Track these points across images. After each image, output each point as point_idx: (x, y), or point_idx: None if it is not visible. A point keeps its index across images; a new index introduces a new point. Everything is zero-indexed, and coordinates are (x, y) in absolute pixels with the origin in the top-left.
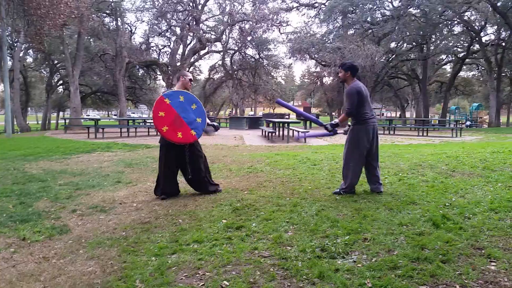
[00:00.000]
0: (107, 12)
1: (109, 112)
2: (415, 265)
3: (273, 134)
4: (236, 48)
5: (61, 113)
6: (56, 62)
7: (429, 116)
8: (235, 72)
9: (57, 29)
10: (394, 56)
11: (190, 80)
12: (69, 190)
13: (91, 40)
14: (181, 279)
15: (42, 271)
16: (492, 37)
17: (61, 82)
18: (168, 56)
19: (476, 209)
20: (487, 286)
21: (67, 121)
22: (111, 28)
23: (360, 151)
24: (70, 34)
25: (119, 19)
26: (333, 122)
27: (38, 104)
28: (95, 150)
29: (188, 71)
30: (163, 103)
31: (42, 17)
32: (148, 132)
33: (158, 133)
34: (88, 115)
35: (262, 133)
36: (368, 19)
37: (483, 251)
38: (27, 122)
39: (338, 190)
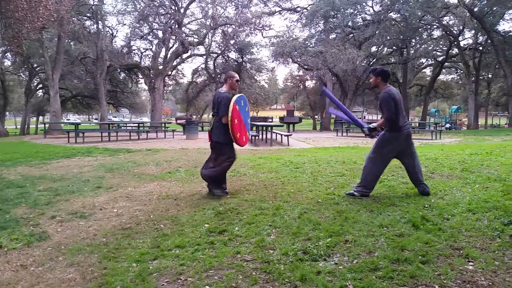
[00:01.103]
0: (88, 15)
1: (90, 116)
2: (395, 266)
3: (257, 137)
4: (219, 52)
5: (40, 118)
6: (35, 65)
7: (410, 119)
8: (218, 76)
9: (36, 32)
10: (375, 60)
11: (237, 80)
12: (48, 196)
13: (71, 43)
14: (163, 285)
15: (19, 280)
16: (470, 41)
17: (40, 85)
18: (150, 59)
19: (455, 210)
20: (465, 286)
21: (47, 125)
22: (92, 31)
23: (383, 158)
24: (50, 37)
25: (100, 22)
26: (371, 126)
27: (17, 108)
28: (75, 155)
29: (170, 74)
30: (236, 110)
31: (20, 20)
32: (130, 136)
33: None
34: (69, 119)
35: None
36: (349, 23)
37: (461, 252)
38: (5, 127)
39: (352, 191)
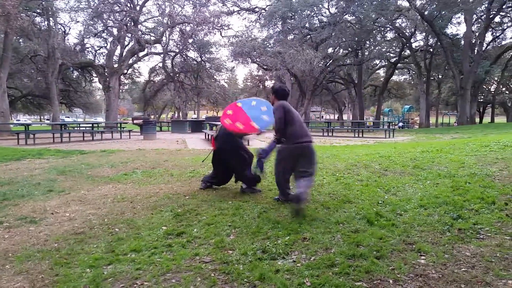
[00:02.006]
0: (38, 11)
1: (42, 117)
2: (351, 262)
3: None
4: (177, 50)
5: None
6: None
7: (364, 118)
8: (177, 75)
9: None
10: (331, 61)
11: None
12: None
13: (20, 40)
14: None
15: None
16: (421, 43)
17: None
18: (105, 57)
19: (407, 206)
20: (418, 279)
21: None
22: (42, 28)
23: (278, 166)
24: None
25: (51, 19)
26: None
27: None
28: (25, 157)
29: (126, 73)
30: (234, 105)
31: None
32: (83, 137)
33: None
34: (18, 120)
35: (205, 136)
36: (307, 25)
37: (413, 246)
38: None
39: (277, 197)
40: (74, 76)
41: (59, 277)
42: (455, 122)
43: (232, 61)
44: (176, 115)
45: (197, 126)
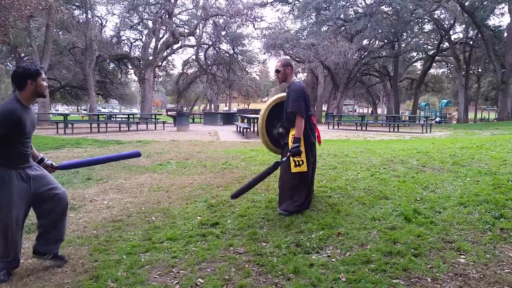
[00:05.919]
0: (77, 4)
1: (79, 107)
2: (388, 259)
3: (248, 129)
4: (210, 43)
5: None
6: (23, 55)
7: (400, 113)
8: (209, 67)
9: (24, 20)
10: (366, 53)
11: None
12: None
13: (60, 32)
14: (155, 277)
15: None
16: (461, 35)
17: None
18: (140, 49)
19: (446, 203)
20: (457, 279)
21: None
22: (81, 20)
23: None
24: (38, 26)
25: (89, 11)
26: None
27: (4, 98)
28: (64, 146)
29: (160, 65)
30: None
31: (7, 8)
32: (119, 127)
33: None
34: (57, 110)
35: (237, 128)
36: (341, 16)
37: (453, 245)
38: None
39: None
40: (110, 68)
41: (98, 263)
42: (495, 118)
43: (264, 54)
44: (207, 107)
45: (228, 118)
